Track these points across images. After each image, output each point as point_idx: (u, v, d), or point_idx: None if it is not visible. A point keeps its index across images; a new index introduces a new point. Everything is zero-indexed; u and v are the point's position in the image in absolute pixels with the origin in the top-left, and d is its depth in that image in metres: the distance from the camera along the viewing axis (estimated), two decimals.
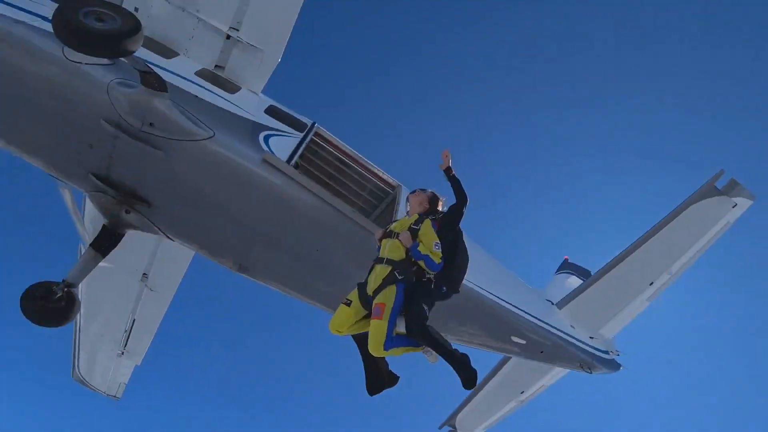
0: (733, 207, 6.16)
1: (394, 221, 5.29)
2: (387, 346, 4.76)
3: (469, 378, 4.77)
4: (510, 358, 7.39)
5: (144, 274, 7.57)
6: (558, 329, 6.63)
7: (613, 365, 7.21)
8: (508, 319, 6.10)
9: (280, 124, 5.65)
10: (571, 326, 6.87)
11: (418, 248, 4.87)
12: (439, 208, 5.35)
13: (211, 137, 4.99)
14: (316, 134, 5.86)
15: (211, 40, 5.55)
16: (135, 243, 6.64)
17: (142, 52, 4.90)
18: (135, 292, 7.81)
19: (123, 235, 5.70)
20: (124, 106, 4.72)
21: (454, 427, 8.50)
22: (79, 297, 5.79)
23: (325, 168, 6.00)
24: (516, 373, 7.55)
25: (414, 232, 4.94)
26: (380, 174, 6.09)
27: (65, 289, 5.55)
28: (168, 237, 5.63)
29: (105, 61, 4.90)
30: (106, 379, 9.63)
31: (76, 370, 9.54)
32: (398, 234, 4.95)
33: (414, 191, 5.30)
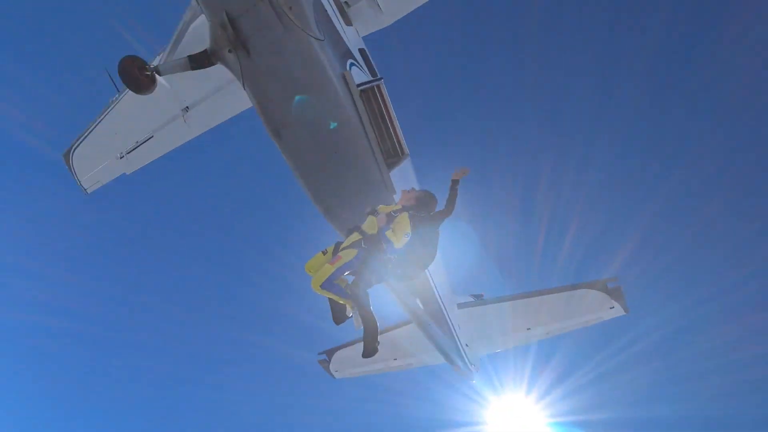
0: (611, 308, 8.22)
1: (385, 205, 6.27)
2: (323, 286, 5.85)
3: (369, 351, 5.77)
4: (408, 324, 9.12)
5: (187, 107, 9.03)
6: (450, 320, 8.46)
7: (469, 374, 9.05)
8: (423, 286, 7.89)
9: (363, 63, 7.44)
10: (459, 326, 8.72)
11: (386, 232, 5.86)
12: (430, 209, 6.22)
13: (320, 40, 6.73)
14: (378, 86, 7.64)
15: None
16: (202, 78, 8.18)
17: None
18: (169, 116, 9.18)
19: (213, 65, 7.27)
20: None
21: (329, 359, 10.12)
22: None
23: (369, 110, 7.71)
24: (401, 340, 9.28)
25: (391, 219, 5.97)
26: (401, 138, 7.85)
27: (153, 71, 7.09)
28: (242, 84, 7.22)
29: None
30: (89, 172, 10.67)
31: (72, 151, 10.62)
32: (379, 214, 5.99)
33: (410, 189, 6.39)
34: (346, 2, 7.47)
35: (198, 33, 7.51)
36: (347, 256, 5.88)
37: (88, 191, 11.09)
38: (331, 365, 10.55)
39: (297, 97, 6.93)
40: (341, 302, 6.06)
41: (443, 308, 8.34)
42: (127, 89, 7.82)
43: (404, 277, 6.32)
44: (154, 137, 9.69)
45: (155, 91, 8.24)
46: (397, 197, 7.57)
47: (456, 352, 8.83)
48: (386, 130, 7.76)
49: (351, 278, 5.99)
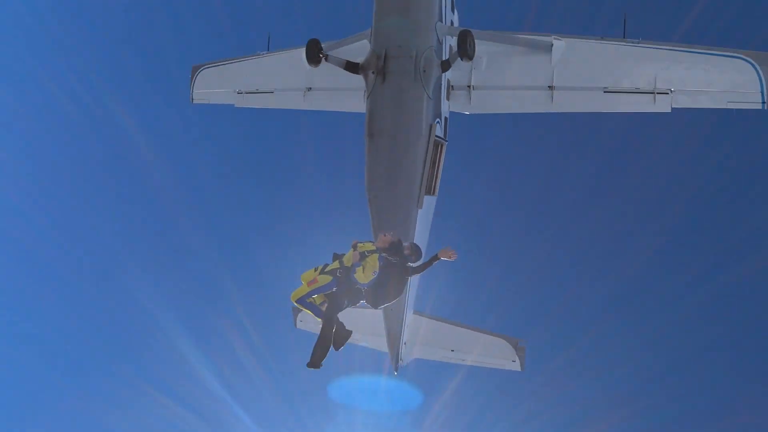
0: (513, 361, 11.31)
1: (367, 242, 7.46)
2: (298, 301, 6.97)
3: (312, 364, 6.85)
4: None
5: (311, 88, 12.28)
6: (405, 316, 11.44)
7: (396, 367, 11.88)
8: None
9: (443, 125, 10.91)
10: (407, 325, 11.67)
11: (357, 268, 6.89)
12: (402, 256, 7.26)
13: (429, 98, 10.18)
14: (443, 144, 10.98)
15: (464, 79, 11.05)
16: (337, 76, 11.42)
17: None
18: (295, 87, 12.26)
19: (356, 74, 10.56)
20: (427, 57, 9.93)
21: (298, 309, 12.80)
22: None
23: (432, 153, 10.91)
24: (363, 318, 11.99)
25: (363, 257, 6.97)
26: (438, 182, 11.04)
27: (324, 55, 10.33)
28: (366, 96, 10.40)
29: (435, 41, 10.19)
30: (206, 89, 13.54)
31: (202, 68, 13.43)
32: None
33: (386, 234, 7.56)
34: (452, 86, 11.09)
35: (355, 49, 10.90)
36: (322, 281, 6.96)
37: (194, 101, 13.91)
38: (299, 315, 13.11)
39: (396, 122, 10.29)
40: (314, 318, 7.26)
41: (406, 305, 11.30)
42: (292, 53, 11.25)
43: (371, 305, 7.50)
44: (273, 93, 12.75)
45: (302, 65, 11.45)
46: (420, 213, 10.79)
47: (396, 344, 11.66)
48: (433, 172, 11.12)
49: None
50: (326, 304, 6.95)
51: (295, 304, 6.96)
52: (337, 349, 7.12)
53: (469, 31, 9.60)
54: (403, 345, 11.82)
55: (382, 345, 12.00)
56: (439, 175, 11.13)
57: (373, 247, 7.08)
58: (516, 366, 11.34)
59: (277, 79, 12.62)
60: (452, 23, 10.74)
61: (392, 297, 7.48)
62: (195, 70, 13.71)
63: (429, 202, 10.98)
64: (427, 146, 10.32)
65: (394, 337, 11.60)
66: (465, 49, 9.54)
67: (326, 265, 7.20)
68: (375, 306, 7.38)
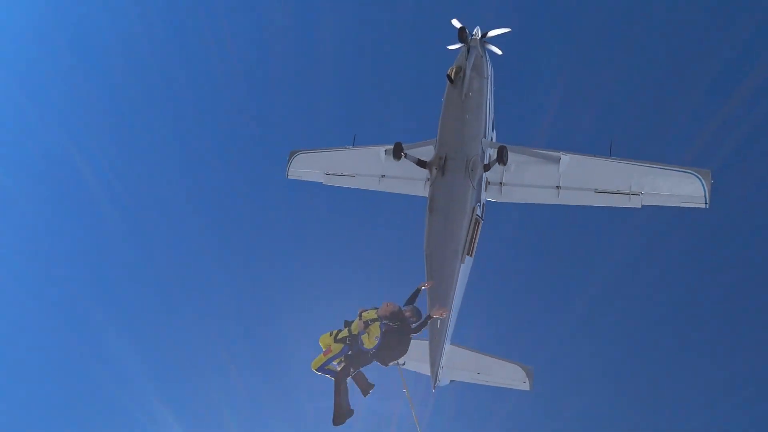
0: (523, 383, 14.99)
1: (371, 309, 8.48)
2: (318, 369, 7.93)
3: (335, 421, 7.71)
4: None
5: (384, 175, 16.75)
6: (443, 348, 15.26)
7: (434, 386, 15.51)
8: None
9: (481, 208, 15.32)
10: (444, 352, 15.47)
11: (362, 335, 7.82)
12: (402, 321, 8.19)
13: (474, 188, 14.62)
14: (480, 222, 15.30)
15: (497, 177, 15.65)
16: (404, 168, 15.93)
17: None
18: (372, 173, 16.31)
19: (423, 168, 15.11)
20: (475, 161, 14.56)
21: None
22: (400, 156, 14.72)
23: (471, 227, 15.11)
24: (412, 347, 15.75)
25: (366, 325, 7.92)
26: (475, 246, 15.22)
27: (404, 153, 14.85)
28: (428, 184, 14.88)
29: (481, 150, 14.89)
30: (299, 168, 17.73)
31: (298, 153, 17.76)
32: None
33: (388, 303, 8.61)
34: (489, 181, 15.65)
35: (423, 151, 15.45)
36: (335, 349, 7.94)
37: (288, 177, 18.25)
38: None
39: (450, 203, 14.70)
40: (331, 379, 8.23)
41: (445, 338, 15.11)
42: (371, 149, 15.90)
43: (382, 364, 8.46)
44: (355, 177, 17.01)
45: (379, 158, 16.13)
46: (461, 267, 14.89)
47: (436, 368, 15.15)
48: (473, 239, 15.34)
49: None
50: (338, 372, 8.11)
51: (316, 372, 7.96)
52: (365, 395, 8.39)
53: (505, 146, 14.15)
54: (441, 369, 15.53)
55: (425, 369, 15.76)
56: (476, 243, 15.40)
57: (375, 315, 8.09)
58: (526, 387, 14.99)
59: (358, 167, 16.75)
60: (492, 139, 15.34)
61: (398, 356, 8.66)
62: (292, 154, 17.91)
63: (468, 260, 15.14)
64: (470, 222, 14.67)
65: (434, 362, 15.35)
66: (501, 157, 14.03)
67: (339, 331, 8.25)
68: (385, 364, 8.47)
